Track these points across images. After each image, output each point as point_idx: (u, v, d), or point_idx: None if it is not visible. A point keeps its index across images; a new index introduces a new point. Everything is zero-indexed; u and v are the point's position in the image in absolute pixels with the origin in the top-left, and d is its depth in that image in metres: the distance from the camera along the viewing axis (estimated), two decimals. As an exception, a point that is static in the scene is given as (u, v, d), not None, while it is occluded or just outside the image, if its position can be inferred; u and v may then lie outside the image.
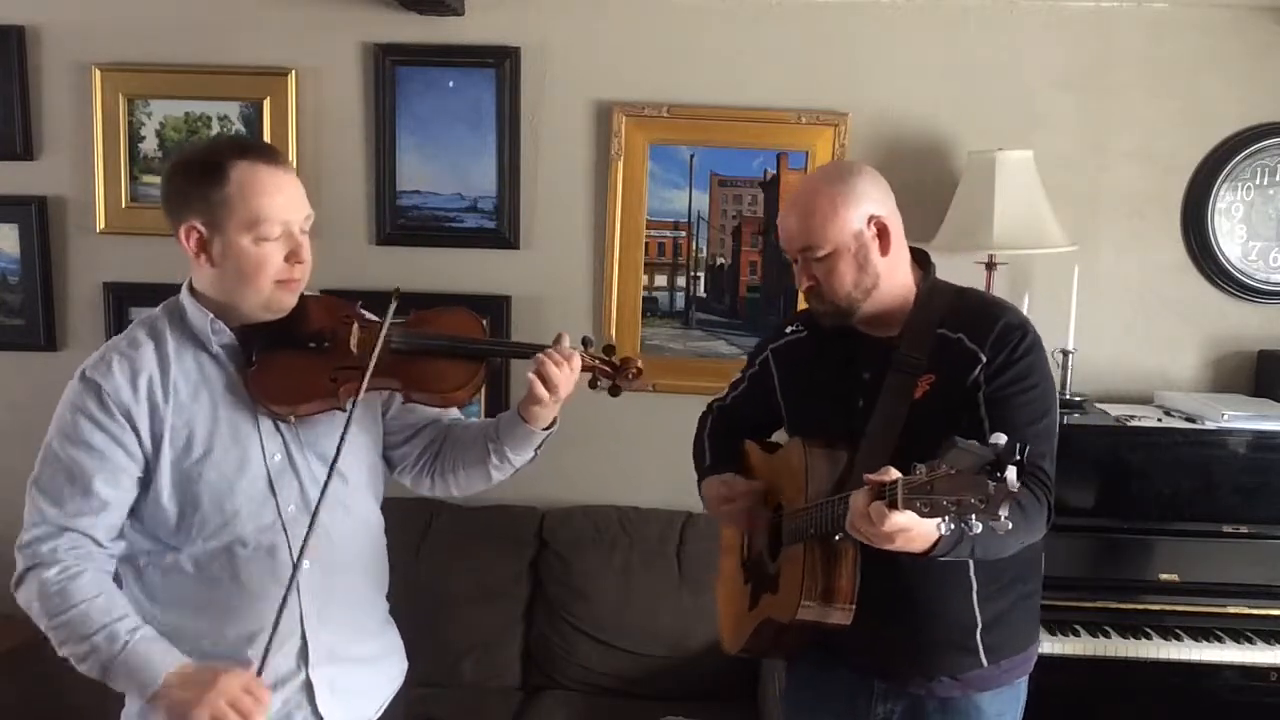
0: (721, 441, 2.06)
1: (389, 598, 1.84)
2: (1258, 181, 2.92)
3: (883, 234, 1.75)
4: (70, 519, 1.54)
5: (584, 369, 1.67)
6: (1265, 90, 2.88)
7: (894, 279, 1.78)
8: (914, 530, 1.46)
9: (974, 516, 1.32)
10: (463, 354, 1.66)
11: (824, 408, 1.83)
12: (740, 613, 1.97)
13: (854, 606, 1.69)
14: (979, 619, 1.75)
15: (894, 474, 1.45)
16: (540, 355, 1.63)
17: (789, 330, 1.96)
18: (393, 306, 1.63)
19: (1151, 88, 2.90)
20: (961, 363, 1.72)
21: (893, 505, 1.41)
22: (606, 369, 1.71)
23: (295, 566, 1.54)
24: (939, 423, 1.67)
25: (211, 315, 1.61)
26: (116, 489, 1.55)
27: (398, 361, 1.63)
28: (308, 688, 1.65)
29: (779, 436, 2.04)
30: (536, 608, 2.93)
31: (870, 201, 1.75)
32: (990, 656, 1.77)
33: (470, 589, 2.88)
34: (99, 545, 1.56)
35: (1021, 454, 1.29)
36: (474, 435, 1.76)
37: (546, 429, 1.70)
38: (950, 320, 1.76)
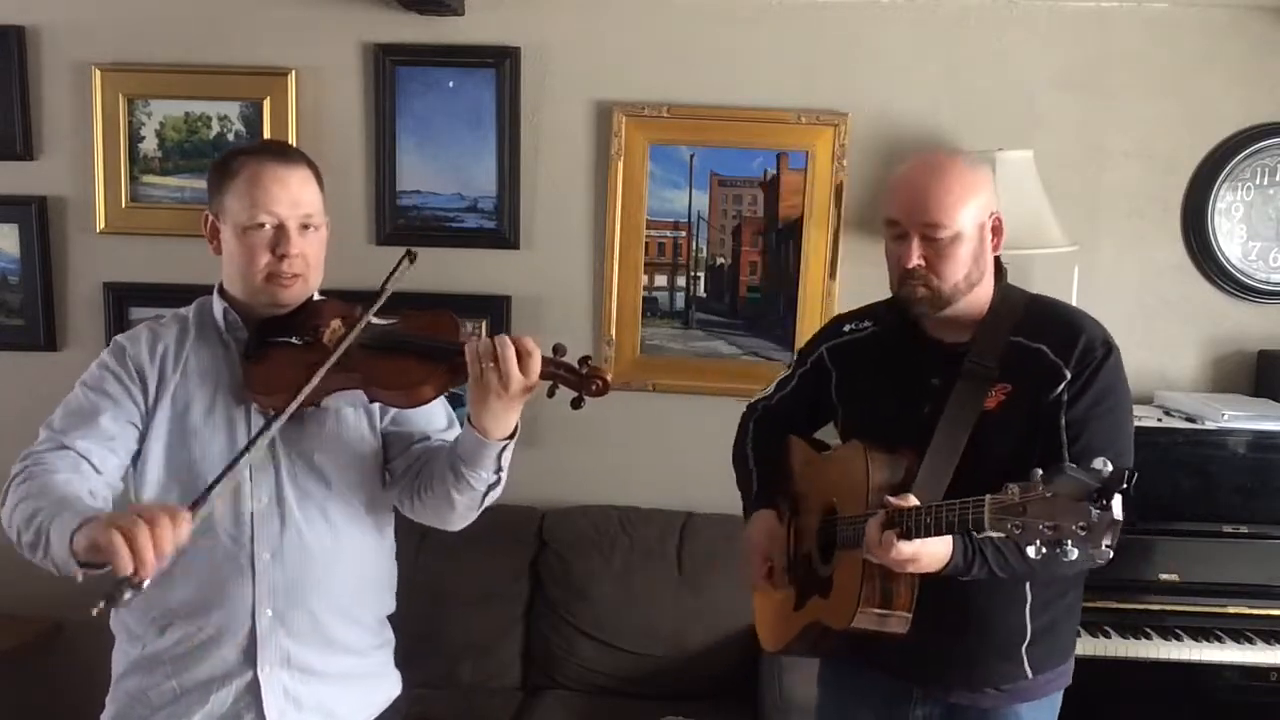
0: (768, 457, 1.97)
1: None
2: (1258, 181, 2.92)
3: (997, 231, 1.71)
4: (70, 438, 1.57)
5: (542, 376, 1.53)
6: (1265, 90, 2.87)
7: (988, 281, 1.72)
8: (924, 559, 1.47)
9: (1070, 543, 1.29)
10: (426, 352, 1.60)
11: (887, 412, 1.75)
12: (783, 612, 1.92)
13: (911, 616, 1.64)
14: (1029, 632, 1.71)
15: (913, 500, 1.44)
16: (470, 340, 1.52)
17: (848, 328, 1.89)
18: (396, 269, 1.65)
19: (1152, 88, 2.89)
20: (1042, 376, 1.65)
21: (905, 535, 1.40)
22: (567, 377, 1.54)
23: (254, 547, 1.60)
24: (1012, 435, 1.64)
25: (226, 306, 1.69)
26: (117, 425, 1.61)
27: (363, 357, 1.60)
28: (254, 689, 1.61)
29: (824, 436, 1.99)
30: (536, 608, 2.93)
31: (992, 195, 1.71)
32: (1035, 668, 1.74)
33: (470, 589, 2.88)
34: (93, 468, 1.56)
35: (1129, 482, 1.26)
36: (443, 455, 1.66)
37: (503, 441, 1.56)
38: (1027, 328, 1.69)
